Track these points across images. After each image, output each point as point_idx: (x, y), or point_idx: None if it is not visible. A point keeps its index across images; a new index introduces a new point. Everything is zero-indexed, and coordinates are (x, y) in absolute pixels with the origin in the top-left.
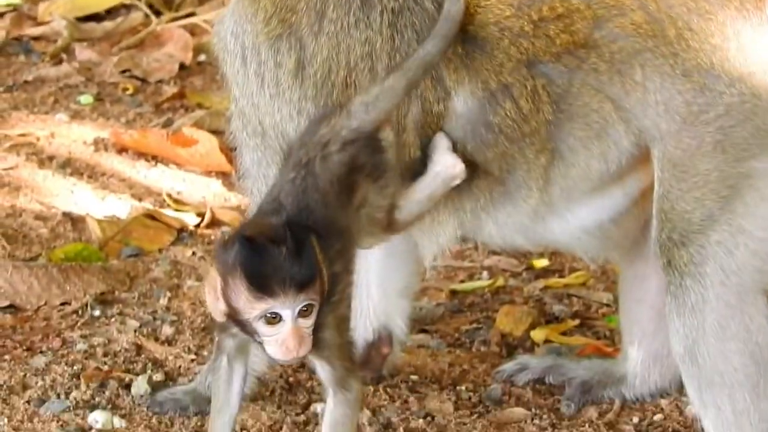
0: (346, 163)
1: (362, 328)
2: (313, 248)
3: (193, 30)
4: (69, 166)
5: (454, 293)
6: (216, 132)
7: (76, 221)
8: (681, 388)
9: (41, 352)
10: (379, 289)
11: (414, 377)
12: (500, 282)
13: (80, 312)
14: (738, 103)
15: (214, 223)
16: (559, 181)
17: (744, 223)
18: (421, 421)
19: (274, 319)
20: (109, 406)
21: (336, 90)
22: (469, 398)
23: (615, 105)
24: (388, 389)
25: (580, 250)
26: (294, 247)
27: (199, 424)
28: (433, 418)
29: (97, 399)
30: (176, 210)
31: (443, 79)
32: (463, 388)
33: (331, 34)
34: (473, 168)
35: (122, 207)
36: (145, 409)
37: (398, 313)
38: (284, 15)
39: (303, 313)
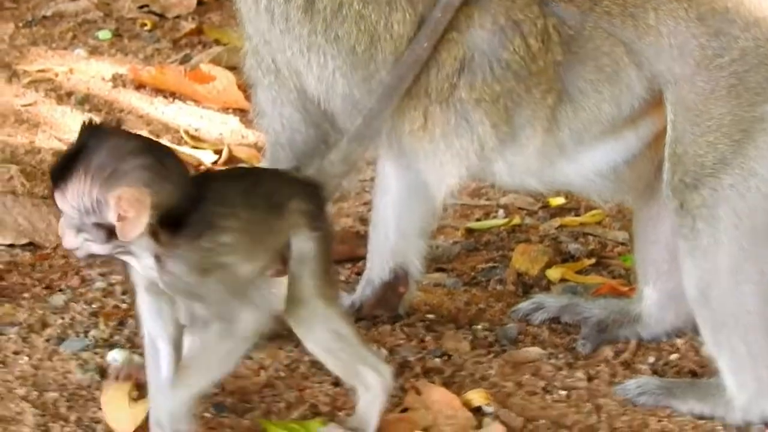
0: None
1: (378, 267)
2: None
3: None
4: (87, 103)
5: (470, 232)
6: (233, 68)
7: None
8: (696, 328)
9: (60, 290)
10: (396, 228)
11: (430, 316)
12: (516, 220)
13: None
14: (753, 47)
15: (231, 160)
16: (568, 123)
17: (756, 166)
18: (437, 360)
19: None
20: (128, 344)
21: (347, 24)
22: (485, 337)
23: (627, 49)
24: (405, 328)
25: (593, 193)
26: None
27: None
28: (449, 357)
29: (116, 337)
30: (193, 147)
31: (456, 15)
32: (480, 327)
33: None
34: (480, 106)
35: None
36: None
37: (414, 253)
38: None
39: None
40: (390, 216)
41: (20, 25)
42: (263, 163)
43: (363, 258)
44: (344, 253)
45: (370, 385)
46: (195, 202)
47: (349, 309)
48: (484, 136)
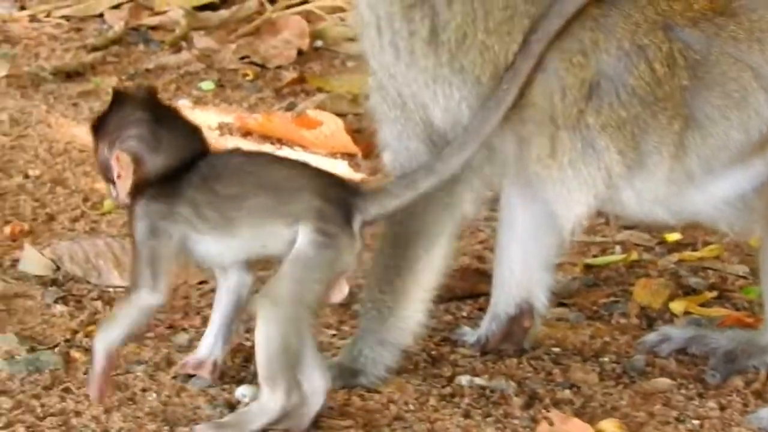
0: None
1: (503, 302)
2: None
3: (308, 17)
4: None
5: (588, 267)
6: (338, 114)
7: None
8: None
9: (183, 329)
10: (521, 262)
11: (556, 349)
12: (634, 256)
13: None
14: None
15: None
16: (695, 149)
17: None
18: (566, 391)
19: None
20: (255, 380)
21: (471, 54)
22: (613, 369)
23: (755, 74)
24: (532, 361)
25: (721, 221)
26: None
27: (345, 397)
28: (578, 388)
29: (242, 373)
30: None
31: (581, 40)
32: (606, 359)
33: (465, 0)
34: (606, 132)
35: None
36: None
37: (539, 286)
38: None
39: None
40: (515, 249)
41: (123, 78)
42: None
43: (483, 294)
44: (465, 289)
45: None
46: (181, 174)
47: (475, 344)
48: (611, 163)
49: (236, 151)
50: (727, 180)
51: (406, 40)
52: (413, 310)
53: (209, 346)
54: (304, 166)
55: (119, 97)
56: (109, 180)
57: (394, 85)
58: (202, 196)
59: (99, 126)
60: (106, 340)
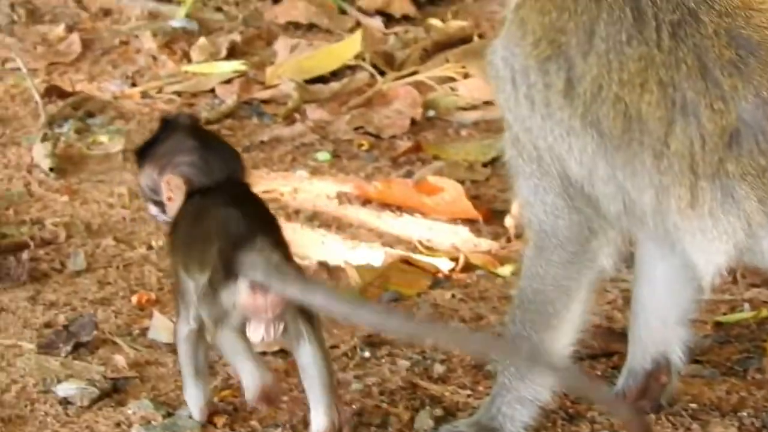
0: None
1: (640, 357)
2: None
3: (419, 87)
4: (316, 219)
5: (719, 325)
6: (456, 181)
7: (331, 270)
8: None
9: None
10: (657, 316)
11: (693, 405)
12: (764, 313)
13: (350, 354)
14: None
15: (468, 267)
16: None
17: None
18: None
19: None
20: None
21: (605, 106)
22: (752, 423)
23: None
24: (670, 417)
25: None
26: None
27: None
28: None
29: None
30: (428, 255)
31: (721, 85)
32: (744, 414)
33: (601, 53)
34: (746, 180)
35: (375, 255)
36: None
37: (676, 341)
38: (553, 36)
39: None
40: (651, 304)
41: (239, 150)
42: (528, 252)
43: (616, 353)
44: (598, 349)
45: None
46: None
47: None
48: (751, 212)
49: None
50: None
51: (541, 92)
52: None
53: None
54: (230, 214)
55: (166, 125)
56: (155, 201)
57: (530, 138)
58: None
59: (146, 151)
60: (189, 396)
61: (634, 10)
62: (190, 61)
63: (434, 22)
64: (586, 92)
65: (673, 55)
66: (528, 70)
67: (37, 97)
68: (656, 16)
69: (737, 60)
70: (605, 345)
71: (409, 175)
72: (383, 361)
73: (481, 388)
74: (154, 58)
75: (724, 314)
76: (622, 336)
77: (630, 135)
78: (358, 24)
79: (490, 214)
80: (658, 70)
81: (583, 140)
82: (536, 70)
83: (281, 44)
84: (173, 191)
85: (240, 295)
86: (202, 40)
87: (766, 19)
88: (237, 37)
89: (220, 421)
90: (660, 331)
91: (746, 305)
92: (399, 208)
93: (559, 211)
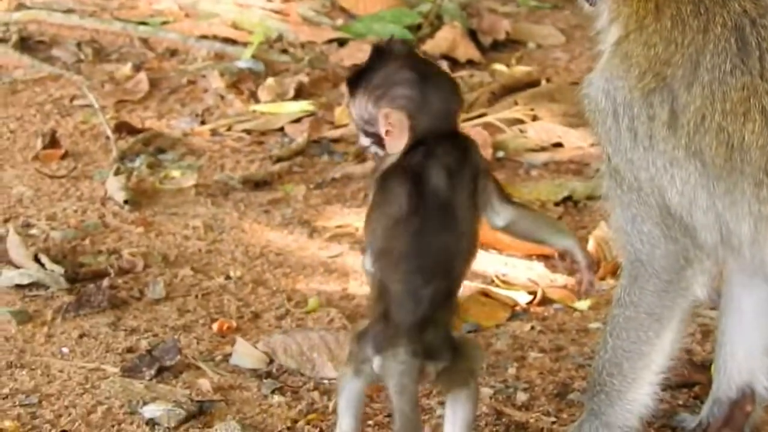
0: None
1: (725, 386)
2: None
3: (488, 129)
4: None
5: None
6: None
7: None
8: None
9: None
10: (744, 346)
11: None
12: None
13: None
14: None
15: (545, 301)
16: None
17: None
18: None
19: None
20: None
21: (708, 136)
22: None
23: None
24: None
25: None
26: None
27: None
28: None
29: None
30: (506, 289)
31: None
32: None
33: (705, 83)
34: None
35: None
36: None
37: (762, 371)
38: (659, 69)
39: None
40: (737, 333)
41: (311, 187)
42: (622, 281)
43: (697, 384)
44: (682, 377)
45: None
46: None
47: (696, 429)
48: None
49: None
50: None
51: (645, 124)
52: (642, 393)
53: None
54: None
55: (380, 53)
56: (367, 133)
57: (631, 170)
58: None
59: (359, 79)
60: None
61: (738, 41)
62: (257, 101)
63: (499, 67)
64: (690, 123)
65: None
66: (632, 102)
67: (109, 132)
68: (759, 46)
69: None
70: (687, 375)
71: None
72: None
73: (564, 416)
74: (222, 98)
75: None
76: (703, 367)
77: (732, 164)
78: None
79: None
80: (761, 98)
81: (686, 171)
82: (640, 103)
83: None
84: (394, 125)
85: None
86: (269, 80)
87: None
88: (304, 79)
89: None
90: (746, 361)
91: None
92: None
93: (655, 241)
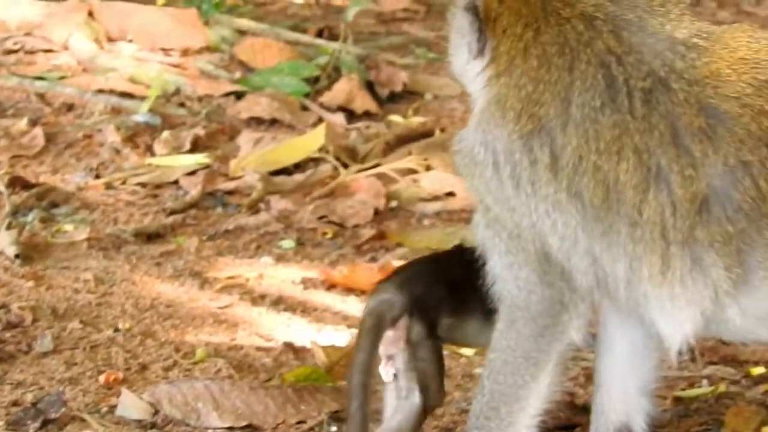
0: None
1: (603, 427)
2: None
3: (382, 179)
4: (282, 303)
5: (678, 400)
6: None
7: (298, 350)
8: None
9: None
10: (620, 388)
11: None
12: (722, 389)
13: (317, 430)
14: None
15: None
16: None
17: None
18: None
19: None
20: None
21: (586, 177)
22: None
23: None
24: None
25: None
26: None
27: None
28: None
29: None
30: None
31: (692, 152)
32: None
33: (578, 122)
34: (714, 247)
35: (340, 337)
36: None
37: (638, 412)
38: (531, 109)
39: None
40: (613, 375)
41: (204, 238)
42: (499, 325)
43: (578, 426)
44: (562, 420)
45: None
46: None
47: None
48: (718, 279)
49: None
50: None
51: (527, 170)
52: None
53: None
54: None
55: None
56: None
57: (512, 218)
58: None
59: None
60: None
61: (606, 77)
62: (153, 154)
63: (395, 118)
64: (569, 164)
65: (647, 121)
66: (512, 149)
67: (2, 187)
68: (627, 83)
69: (707, 128)
70: (566, 418)
71: (373, 261)
72: None
73: None
74: (118, 151)
75: (683, 390)
76: (584, 410)
77: (608, 204)
78: (321, 120)
79: None
80: (633, 136)
81: (567, 214)
82: (521, 149)
83: (244, 138)
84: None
85: None
86: (165, 133)
87: (733, 90)
88: (200, 131)
89: None
90: (622, 401)
91: (705, 381)
92: (364, 292)
93: (532, 286)
